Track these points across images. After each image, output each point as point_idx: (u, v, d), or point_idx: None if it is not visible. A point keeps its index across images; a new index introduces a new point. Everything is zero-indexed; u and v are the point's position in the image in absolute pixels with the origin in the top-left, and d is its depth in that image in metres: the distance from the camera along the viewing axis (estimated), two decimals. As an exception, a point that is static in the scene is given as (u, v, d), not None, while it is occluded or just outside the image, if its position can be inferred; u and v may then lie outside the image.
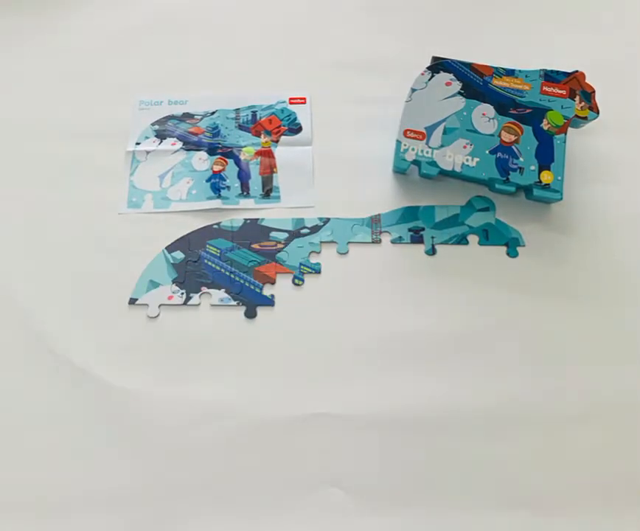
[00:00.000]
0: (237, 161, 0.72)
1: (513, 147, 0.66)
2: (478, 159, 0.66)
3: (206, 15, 0.84)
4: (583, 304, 0.63)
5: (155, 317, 0.63)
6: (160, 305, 0.63)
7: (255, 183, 0.71)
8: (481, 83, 0.69)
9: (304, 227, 0.68)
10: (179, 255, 0.66)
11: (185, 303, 0.63)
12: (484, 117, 0.68)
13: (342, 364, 0.60)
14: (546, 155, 0.66)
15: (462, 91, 0.69)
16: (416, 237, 0.67)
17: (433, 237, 0.67)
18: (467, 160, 0.66)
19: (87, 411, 0.58)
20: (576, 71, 0.69)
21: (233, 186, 0.70)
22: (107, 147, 0.73)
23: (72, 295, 0.64)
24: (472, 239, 0.67)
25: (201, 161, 0.72)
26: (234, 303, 0.63)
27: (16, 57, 0.80)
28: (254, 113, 0.76)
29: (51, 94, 0.77)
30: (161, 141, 0.73)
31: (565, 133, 0.67)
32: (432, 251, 0.66)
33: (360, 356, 0.61)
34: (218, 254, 0.66)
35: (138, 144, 0.73)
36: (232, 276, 0.65)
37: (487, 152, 0.66)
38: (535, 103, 0.68)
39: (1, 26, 0.82)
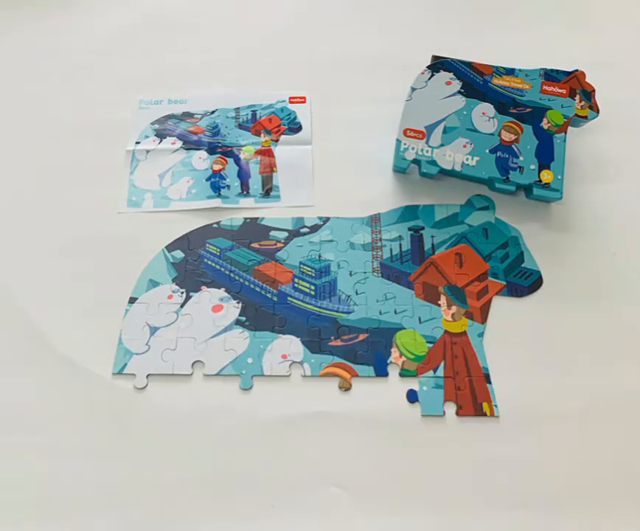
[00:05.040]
0: (237, 160, 0.72)
1: (513, 146, 0.66)
2: (478, 158, 0.66)
3: (206, 15, 0.84)
4: (583, 302, 0.63)
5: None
6: (160, 304, 0.63)
7: (255, 182, 0.71)
8: (481, 82, 0.69)
9: (304, 226, 0.68)
10: (179, 254, 0.66)
11: (185, 302, 0.63)
12: (484, 116, 0.68)
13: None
14: (546, 155, 0.66)
15: (462, 90, 0.69)
16: (416, 236, 0.67)
17: (433, 236, 0.67)
18: (467, 159, 0.66)
19: (87, 411, 0.58)
20: (576, 70, 0.69)
21: (233, 185, 0.70)
22: (107, 147, 0.73)
23: (72, 294, 0.64)
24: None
25: (201, 160, 0.72)
26: (234, 302, 0.63)
27: (16, 56, 0.80)
28: (254, 113, 0.76)
29: (52, 94, 0.77)
30: (161, 141, 0.74)
31: (565, 132, 0.67)
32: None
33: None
34: (218, 253, 0.66)
35: (138, 143, 0.73)
36: (232, 275, 0.65)
37: (487, 151, 0.66)
38: (535, 102, 0.68)
39: (1, 26, 0.83)
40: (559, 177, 0.65)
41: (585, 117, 0.68)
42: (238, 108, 0.76)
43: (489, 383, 0.59)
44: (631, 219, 0.68)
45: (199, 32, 0.83)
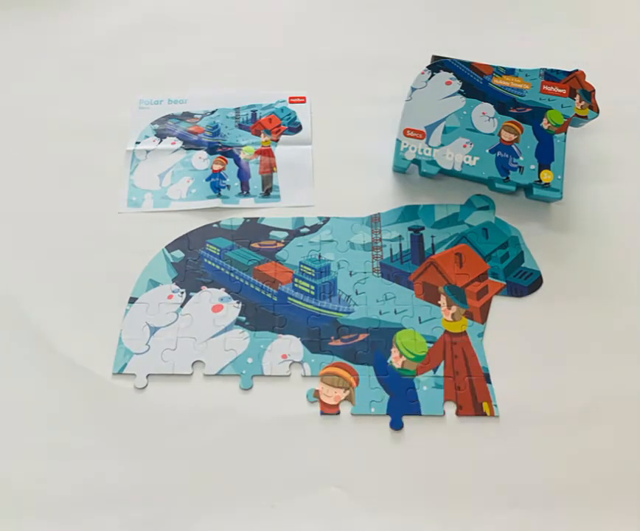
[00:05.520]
0: (237, 160, 0.72)
1: (513, 146, 0.66)
2: (478, 158, 0.66)
3: (206, 15, 0.84)
4: (583, 302, 0.63)
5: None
6: (160, 304, 0.63)
7: (255, 182, 0.71)
8: (481, 82, 0.69)
9: (304, 226, 0.68)
10: (179, 254, 0.66)
11: (185, 302, 0.63)
12: (484, 116, 0.68)
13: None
14: (546, 154, 0.66)
15: (462, 90, 0.69)
16: (416, 236, 0.67)
17: (432, 236, 0.67)
18: (467, 159, 0.66)
19: (87, 411, 0.58)
20: (576, 70, 0.69)
21: (233, 185, 0.70)
22: (107, 147, 0.73)
23: (72, 294, 0.64)
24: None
25: (201, 160, 0.72)
26: (234, 302, 0.63)
27: (16, 56, 0.80)
28: (254, 113, 0.76)
29: (52, 94, 0.77)
30: (161, 141, 0.74)
31: (565, 132, 0.67)
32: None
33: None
34: (218, 253, 0.66)
35: (138, 143, 0.73)
36: (232, 275, 0.65)
37: (487, 151, 0.66)
38: (535, 102, 0.68)
39: (1, 26, 0.83)
40: (559, 177, 0.65)
41: (585, 117, 0.68)
42: (238, 108, 0.76)
43: (489, 383, 0.59)
44: (631, 219, 0.68)
45: (199, 32, 0.83)
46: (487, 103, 0.68)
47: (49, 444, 0.56)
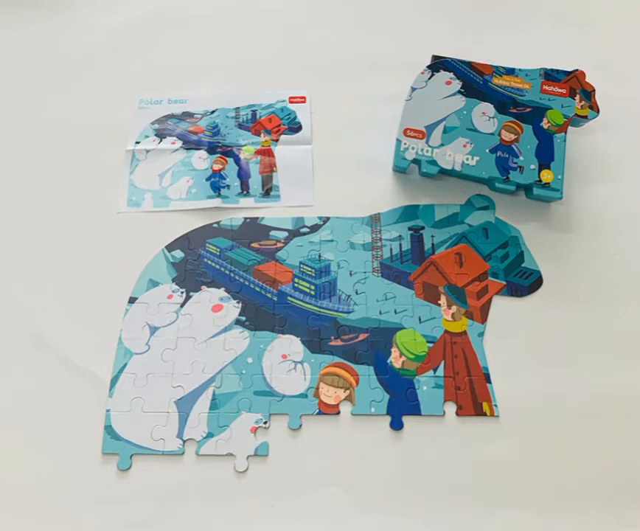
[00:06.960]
0: (237, 160, 0.72)
1: (513, 145, 0.66)
2: (478, 158, 0.66)
3: (207, 15, 0.84)
4: (583, 302, 0.63)
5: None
6: (159, 304, 0.63)
7: (255, 182, 0.71)
8: (481, 82, 0.69)
9: (304, 226, 0.68)
10: (179, 254, 0.66)
11: (185, 302, 0.63)
12: (484, 116, 0.68)
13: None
14: (546, 154, 0.66)
15: (462, 90, 0.69)
16: (416, 236, 0.67)
17: (432, 236, 0.66)
18: (467, 159, 0.66)
19: (87, 410, 0.58)
20: (577, 70, 0.69)
21: (233, 185, 0.70)
22: (107, 147, 0.73)
23: (72, 294, 0.64)
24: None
25: (201, 159, 0.72)
26: (234, 302, 0.63)
27: (16, 56, 0.80)
28: (254, 112, 0.76)
29: (52, 94, 0.77)
30: (161, 140, 0.74)
31: (565, 132, 0.67)
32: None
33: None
34: (218, 253, 0.66)
35: (138, 143, 0.73)
36: (232, 274, 0.65)
37: (487, 151, 0.66)
38: (535, 102, 0.68)
39: (2, 26, 0.83)
40: (559, 177, 0.65)
41: (585, 117, 0.68)
42: (238, 107, 0.76)
43: (489, 382, 0.59)
44: (631, 219, 0.68)
45: (199, 32, 0.83)
46: (486, 103, 0.68)
47: (49, 444, 0.56)
